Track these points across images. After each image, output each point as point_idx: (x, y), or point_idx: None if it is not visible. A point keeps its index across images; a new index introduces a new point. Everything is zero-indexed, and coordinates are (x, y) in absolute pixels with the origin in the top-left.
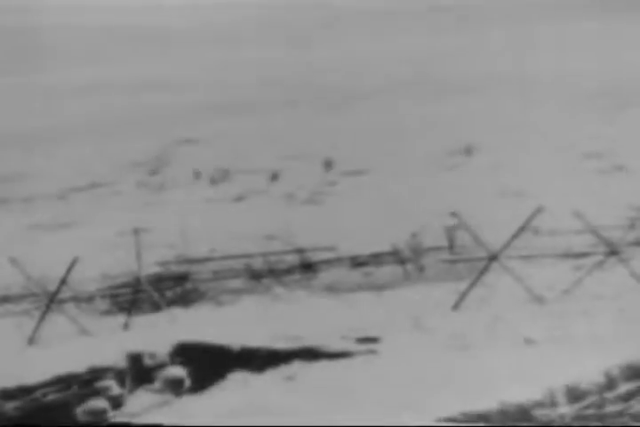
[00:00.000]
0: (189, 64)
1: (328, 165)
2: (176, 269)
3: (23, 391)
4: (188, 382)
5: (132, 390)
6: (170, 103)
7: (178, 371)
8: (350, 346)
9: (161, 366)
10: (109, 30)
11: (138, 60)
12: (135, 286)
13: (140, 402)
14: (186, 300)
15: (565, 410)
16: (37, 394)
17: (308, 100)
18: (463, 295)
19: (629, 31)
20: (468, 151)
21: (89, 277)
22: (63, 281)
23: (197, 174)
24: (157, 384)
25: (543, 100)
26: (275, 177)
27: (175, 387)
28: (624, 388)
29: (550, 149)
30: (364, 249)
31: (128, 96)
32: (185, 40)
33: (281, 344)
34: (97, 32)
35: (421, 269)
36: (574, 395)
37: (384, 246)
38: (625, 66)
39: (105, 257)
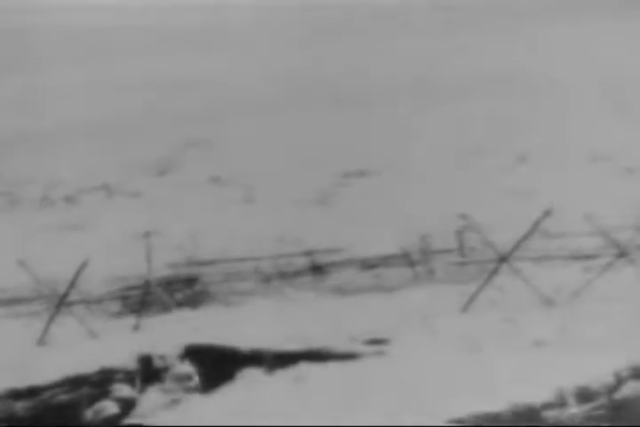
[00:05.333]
0: (198, 64)
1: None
2: (186, 271)
3: (32, 392)
4: (196, 379)
5: (142, 392)
6: (179, 104)
7: (187, 368)
8: (359, 348)
9: (171, 367)
10: (116, 30)
11: (146, 60)
12: (145, 287)
13: (149, 403)
14: (196, 302)
15: (575, 411)
16: (47, 395)
17: (318, 102)
18: (473, 297)
19: (637, 30)
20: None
21: (99, 279)
22: (73, 283)
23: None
24: (167, 383)
25: (552, 101)
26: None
27: (184, 384)
28: (634, 388)
29: (559, 150)
30: (374, 251)
31: (136, 97)
32: (194, 40)
33: (290, 346)
34: (104, 32)
35: (431, 271)
36: (584, 396)
37: (393, 249)
38: (635, 65)
39: (115, 259)
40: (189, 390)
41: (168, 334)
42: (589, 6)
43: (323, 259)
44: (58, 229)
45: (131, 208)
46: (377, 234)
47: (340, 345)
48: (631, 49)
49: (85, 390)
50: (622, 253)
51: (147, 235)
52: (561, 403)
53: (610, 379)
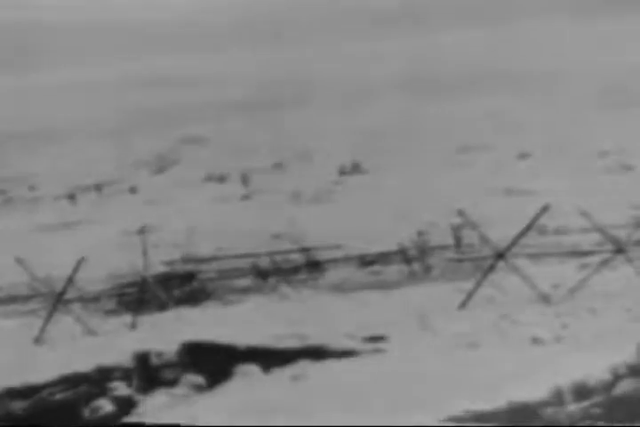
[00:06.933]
0: (196, 62)
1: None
2: (182, 268)
3: (30, 391)
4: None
5: (139, 390)
6: (176, 102)
7: (197, 379)
8: (357, 345)
9: (168, 365)
10: (114, 28)
11: (144, 58)
12: (141, 285)
13: (146, 402)
14: (192, 299)
15: (572, 408)
16: (44, 394)
17: (315, 99)
18: (470, 294)
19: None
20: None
21: (95, 277)
22: (70, 281)
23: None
24: (180, 389)
25: (551, 99)
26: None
27: (196, 391)
28: (631, 386)
29: (558, 147)
30: (371, 248)
31: (133, 95)
32: (192, 38)
33: (287, 343)
34: (102, 30)
35: (428, 267)
36: (581, 393)
37: (391, 245)
38: (634, 63)
39: (111, 256)
40: (191, 390)
41: (165, 332)
42: (592, 5)
43: (320, 256)
44: (54, 226)
45: (126, 205)
46: (374, 230)
47: (338, 342)
48: (633, 47)
49: (83, 389)
50: (619, 250)
51: (142, 231)
52: (558, 400)
53: (607, 376)
